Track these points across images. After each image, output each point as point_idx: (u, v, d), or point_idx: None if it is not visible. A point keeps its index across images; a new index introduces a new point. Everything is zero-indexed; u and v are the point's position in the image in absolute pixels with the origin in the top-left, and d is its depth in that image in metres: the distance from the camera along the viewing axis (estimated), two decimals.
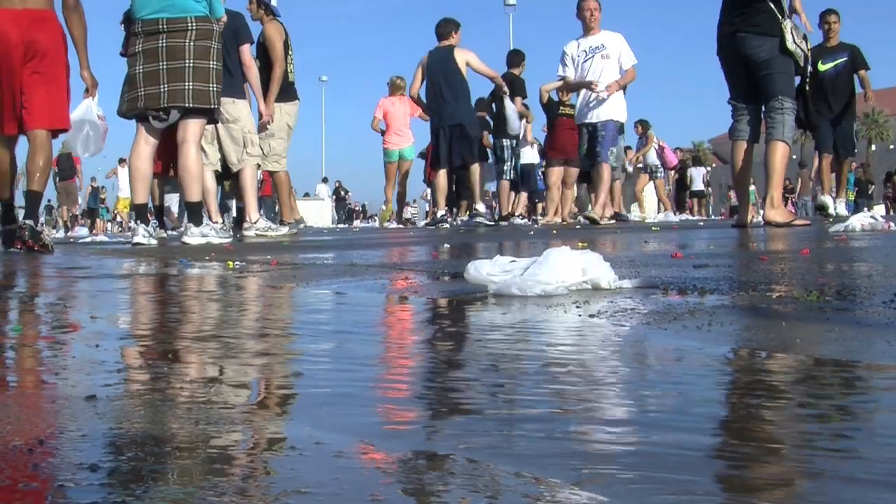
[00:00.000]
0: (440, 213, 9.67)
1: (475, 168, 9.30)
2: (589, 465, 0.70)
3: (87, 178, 22.73)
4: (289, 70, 7.52)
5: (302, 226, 7.79)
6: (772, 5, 5.44)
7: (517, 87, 10.68)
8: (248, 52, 6.87)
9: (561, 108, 10.83)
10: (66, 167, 18.70)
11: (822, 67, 8.68)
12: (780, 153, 5.42)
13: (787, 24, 5.43)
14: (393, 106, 11.15)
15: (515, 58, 10.94)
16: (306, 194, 26.50)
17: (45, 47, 4.85)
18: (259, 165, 7.43)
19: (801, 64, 5.56)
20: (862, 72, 9.05)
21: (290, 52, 7.57)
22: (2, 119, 4.93)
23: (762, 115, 5.63)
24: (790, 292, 1.81)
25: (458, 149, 9.02)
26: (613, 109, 8.46)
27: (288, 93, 7.57)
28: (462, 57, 8.92)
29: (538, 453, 0.74)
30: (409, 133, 11.33)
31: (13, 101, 4.86)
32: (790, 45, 5.41)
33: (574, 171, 10.86)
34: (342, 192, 30.27)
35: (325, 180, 30.19)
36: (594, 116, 8.46)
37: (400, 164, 11.15)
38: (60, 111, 5.04)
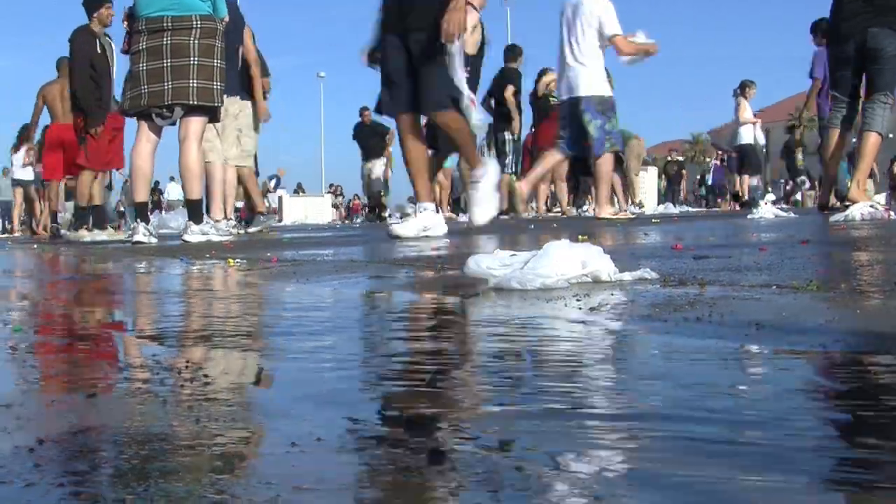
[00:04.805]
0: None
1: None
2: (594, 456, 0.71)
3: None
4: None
5: (271, 221, 8.03)
6: None
7: (514, 79, 10.94)
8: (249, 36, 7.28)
9: (551, 99, 10.80)
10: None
11: None
12: (872, 142, 5.83)
13: None
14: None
15: (512, 52, 11.26)
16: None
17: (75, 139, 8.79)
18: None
19: None
20: None
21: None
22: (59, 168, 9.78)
23: (859, 107, 5.97)
24: (789, 282, 1.81)
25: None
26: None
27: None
28: None
29: (543, 450, 0.74)
30: None
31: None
32: None
33: (566, 164, 10.63)
34: (299, 193, 30.43)
35: (271, 178, 30.28)
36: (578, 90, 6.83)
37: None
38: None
